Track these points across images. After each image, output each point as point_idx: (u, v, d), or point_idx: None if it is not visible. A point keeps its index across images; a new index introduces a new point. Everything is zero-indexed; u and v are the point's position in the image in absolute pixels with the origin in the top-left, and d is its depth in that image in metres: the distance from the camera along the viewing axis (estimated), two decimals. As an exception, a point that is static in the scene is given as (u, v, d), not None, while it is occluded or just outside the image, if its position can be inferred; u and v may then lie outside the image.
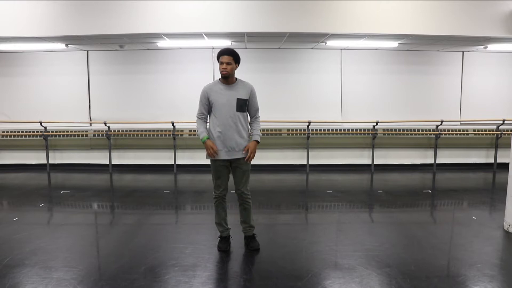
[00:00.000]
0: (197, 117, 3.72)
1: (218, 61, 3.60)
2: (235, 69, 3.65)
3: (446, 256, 3.70)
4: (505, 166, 4.87)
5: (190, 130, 7.58)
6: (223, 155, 3.62)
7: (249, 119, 3.79)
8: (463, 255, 3.68)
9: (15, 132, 7.79)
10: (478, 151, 8.00)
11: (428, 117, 7.82)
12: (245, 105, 3.67)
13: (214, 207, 3.79)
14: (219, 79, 3.69)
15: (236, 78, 3.70)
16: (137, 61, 7.78)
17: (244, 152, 3.63)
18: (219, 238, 3.82)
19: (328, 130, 7.76)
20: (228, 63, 3.55)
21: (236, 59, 3.62)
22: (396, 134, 7.78)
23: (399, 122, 7.77)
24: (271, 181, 6.89)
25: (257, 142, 3.68)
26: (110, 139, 7.59)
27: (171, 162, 7.71)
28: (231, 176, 3.75)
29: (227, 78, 3.62)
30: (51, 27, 5.85)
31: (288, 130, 7.66)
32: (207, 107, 3.66)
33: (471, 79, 8.03)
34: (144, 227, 4.51)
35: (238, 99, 3.60)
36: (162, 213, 5.24)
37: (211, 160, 3.68)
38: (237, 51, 3.65)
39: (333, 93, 7.90)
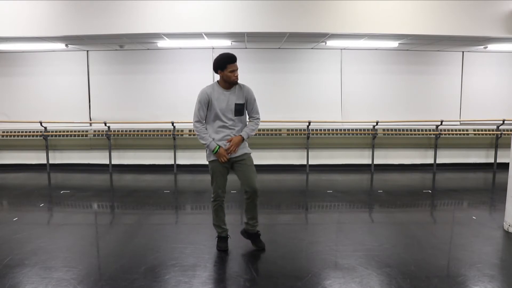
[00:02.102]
0: (196, 122, 3.59)
1: (225, 68, 3.50)
2: None
3: (446, 256, 3.70)
4: (505, 166, 4.87)
5: (190, 130, 7.57)
6: None
7: (247, 120, 3.76)
8: (463, 255, 3.68)
9: (15, 132, 7.78)
10: (478, 151, 7.99)
11: (428, 117, 7.81)
12: (243, 109, 3.65)
13: (213, 210, 3.73)
14: (217, 82, 3.63)
15: None
16: (137, 61, 7.78)
17: (226, 142, 3.58)
18: (217, 238, 3.81)
19: (328, 130, 7.76)
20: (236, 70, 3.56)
21: None
22: (396, 134, 7.78)
23: (399, 122, 7.76)
24: (271, 181, 6.88)
25: (243, 138, 3.62)
26: (110, 139, 7.59)
27: (171, 162, 7.71)
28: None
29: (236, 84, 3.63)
30: (51, 27, 5.84)
31: (288, 130, 7.66)
32: (206, 111, 3.58)
33: (471, 79, 8.02)
34: (144, 227, 4.51)
35: (236, 104, 3.58)
36: (162, 213, 5.24)
37: (211, 162, 3.65)
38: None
39: (333, 93, 7.90)
